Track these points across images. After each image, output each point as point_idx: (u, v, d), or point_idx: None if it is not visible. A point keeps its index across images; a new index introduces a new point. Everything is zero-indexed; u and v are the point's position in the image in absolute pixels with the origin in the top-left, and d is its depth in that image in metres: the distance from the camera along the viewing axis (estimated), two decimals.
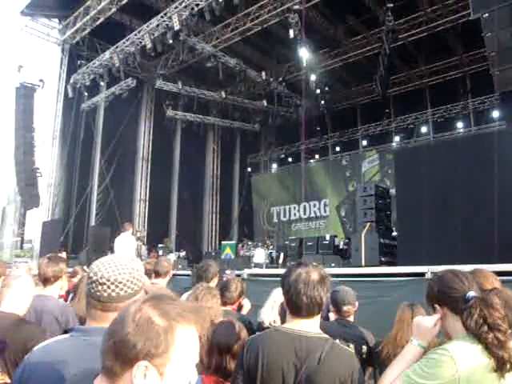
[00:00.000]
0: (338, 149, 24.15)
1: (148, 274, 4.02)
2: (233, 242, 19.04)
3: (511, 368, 1.83)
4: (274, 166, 26.81)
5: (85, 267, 6.88)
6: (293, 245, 14.47)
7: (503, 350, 1.84)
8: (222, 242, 18.50)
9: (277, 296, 4.11)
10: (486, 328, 1.87)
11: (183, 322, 1.22)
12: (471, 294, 1.99)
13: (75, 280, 5.55)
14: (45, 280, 3.65)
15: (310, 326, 2.22)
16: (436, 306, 2.10)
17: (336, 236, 14.71)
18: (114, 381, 1.21)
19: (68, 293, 4.78)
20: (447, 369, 1.84)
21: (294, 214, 23.65)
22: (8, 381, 2.50)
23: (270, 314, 4.06)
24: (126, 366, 1.17)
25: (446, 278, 2.12)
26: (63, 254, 11.20)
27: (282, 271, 2.44)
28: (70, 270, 5.77)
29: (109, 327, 1.24)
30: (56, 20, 19.19)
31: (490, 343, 1.85)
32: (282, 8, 15.35)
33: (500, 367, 1.83)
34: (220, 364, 2.75)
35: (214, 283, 4.45)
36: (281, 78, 20.70)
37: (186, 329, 1.22)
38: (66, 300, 4.57)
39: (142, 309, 1.21)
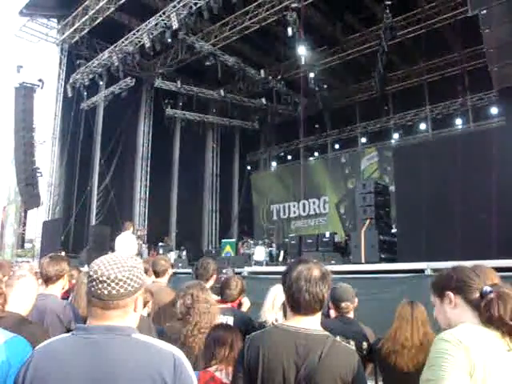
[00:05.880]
0: (337, 146, 24.08)
1: (145, 272, 4.05)
2: (233, 240, 19.05)
3: None
4: (274, 163, 26.73)
5: (86, 266, 6.89)
6: (293, 242, 14.45)
7: None
8: (222, 240, 18.50)
9: (275, 293, 4.13)
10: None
11: None
12: (488, 288, 2.04)
13: (74, 281, 5.57)
14: (47, 279, 3.68)
15: (310, 323, 2.22)
16: (449, 293, 2.14)
17: (336, 233, 14.71)
18: None
19: (68, 292, 4.79)
20: (460, 356, 1.84)
21: (294, 212, 23.65)
22: None
23: (271, 313, 4.08)
24: None
25: (466, 269, 2.19)
26: (62, 254, 11.23)
27: (282, 269, 2.46)
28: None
29: None
30: (55, 20, 19.16)
31: None
32: (279, 6, 15.34)
33: None
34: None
35: (212, 281, 4.48)
36: (279, 76, 20.65)
37: None
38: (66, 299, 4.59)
39: None
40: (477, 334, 1.91)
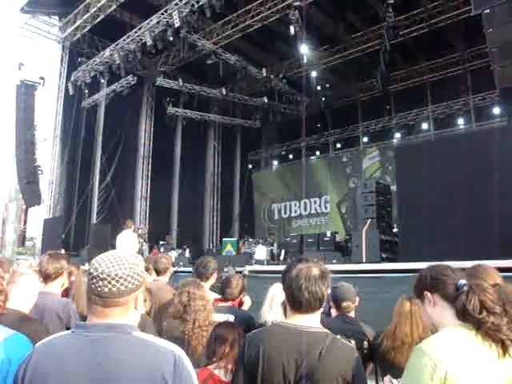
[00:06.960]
0: (338, 145, 24.05)
1: (146, 270, 4.03)
2: (234, 238, 19.02)
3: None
4: (275, 162, 26.76)
5: (86, 264, 6.88)
6: (294, 241, 14.46)
7: (501, 333, 1.85)
8: (223, 239, 18.47)
9: (274, 293, 4.12)
10: (485, 313, 1.88)
11: None
12: (462, 281, 2.03)
13: (74, 278, 5.56)
14: (46, 277, 3.68)
15: (310, 322, 2.23)
16: (427, 293, 2.14)
17: (337, 232, 14.71)
18: None
19: (67, 290, 4.78)
20: (427, 371, 1.83)
21: (295, 211, 23.64)
22: None
23: (270, 313, 4.07)
24: None
25: (439, 267, 2.20)
26: (62, 252, 11.22)
27: (282, 268, 2.45)
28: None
29: None
30: (56, 17, 19.12)
31: (489, 328, 1.86)
32: (282, 5, 15.31)
33: (503, 350, 1.84)
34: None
35: (213, 279, 4.47)
36: (281, 75, 20.63)
37: None
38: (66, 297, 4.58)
39: None
40: (453, 343, 1.88)
